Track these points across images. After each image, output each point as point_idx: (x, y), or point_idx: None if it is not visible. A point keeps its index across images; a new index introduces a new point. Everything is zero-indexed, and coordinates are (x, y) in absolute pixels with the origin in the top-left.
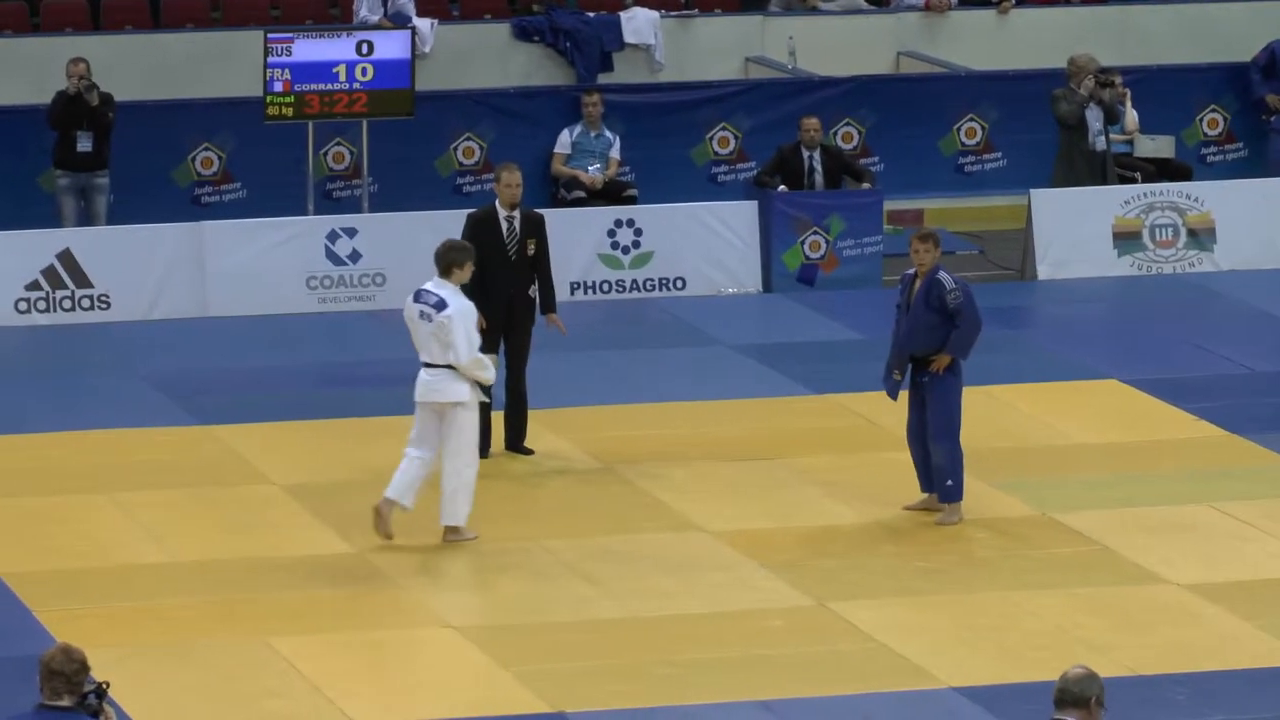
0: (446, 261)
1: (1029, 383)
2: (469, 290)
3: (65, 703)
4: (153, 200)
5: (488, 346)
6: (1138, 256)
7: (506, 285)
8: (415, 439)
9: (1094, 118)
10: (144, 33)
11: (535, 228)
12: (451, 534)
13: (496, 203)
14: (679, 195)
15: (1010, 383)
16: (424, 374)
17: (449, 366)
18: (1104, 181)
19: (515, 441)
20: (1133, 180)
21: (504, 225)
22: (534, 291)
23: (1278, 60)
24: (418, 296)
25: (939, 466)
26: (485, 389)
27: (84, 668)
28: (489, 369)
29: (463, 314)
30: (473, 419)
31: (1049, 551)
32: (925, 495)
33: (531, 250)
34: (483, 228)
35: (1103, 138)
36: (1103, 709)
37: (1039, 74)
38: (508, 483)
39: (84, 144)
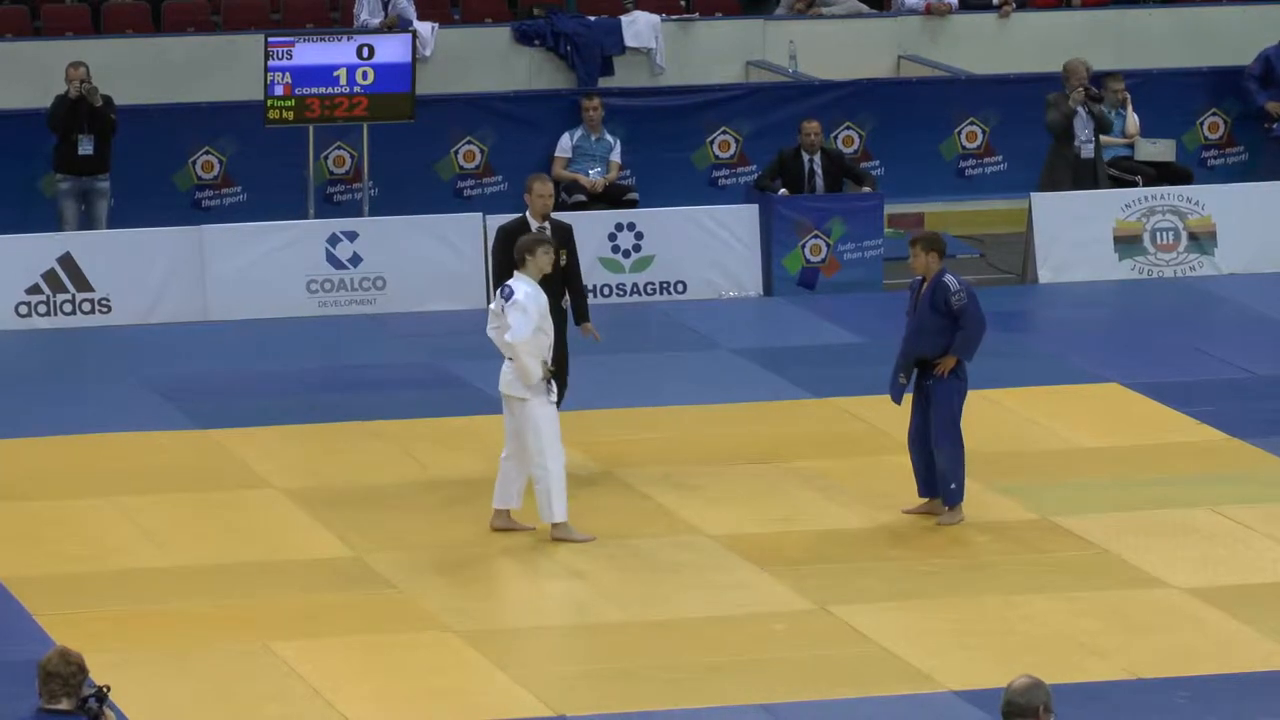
0: (519, 254)
1: (1029, 386)
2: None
3: (64, 706)
4: (153, 204)
5: None
6: (1138, 260)
7: None
8: (506, 443)
9: (1082, 125)
10: (145, 37)
11: (565, 238)
12: (558, 531)
13: (527, 213)
14: (680, 199)
15: (1011, 386)
16: (503, 366)
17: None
18: (1092, 187)
19: None
20: (1133, 184)
21: None
22: (565, 303)
23: (1273, 67)
24: (500, 292)
25: (942, 470)
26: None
27: (81, 670)
28: (536, 371)
29: (527, 296)
30: (543, 414)
31: (1049, 555)
32: (924, 500)
33: (563, 261)
34: (515, 239)
35: (1090, 145)
36: (1051, 715)
37: (1039, 78)
38: None
39: (85, 147)
